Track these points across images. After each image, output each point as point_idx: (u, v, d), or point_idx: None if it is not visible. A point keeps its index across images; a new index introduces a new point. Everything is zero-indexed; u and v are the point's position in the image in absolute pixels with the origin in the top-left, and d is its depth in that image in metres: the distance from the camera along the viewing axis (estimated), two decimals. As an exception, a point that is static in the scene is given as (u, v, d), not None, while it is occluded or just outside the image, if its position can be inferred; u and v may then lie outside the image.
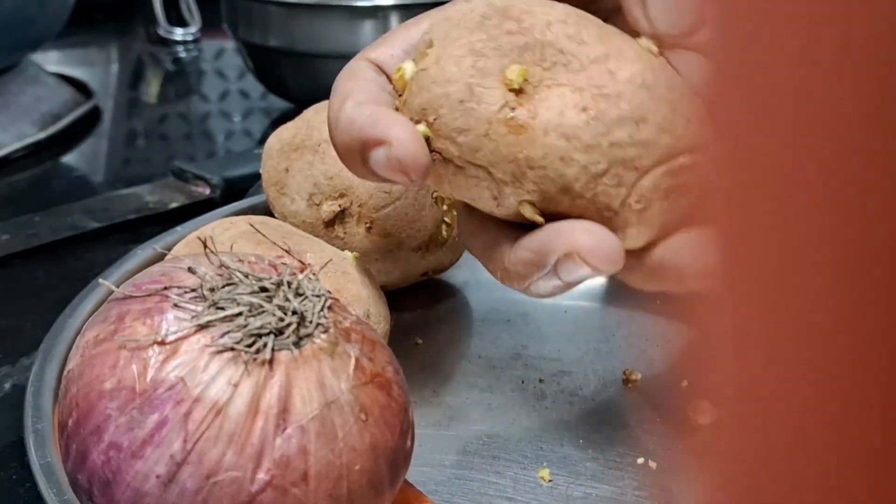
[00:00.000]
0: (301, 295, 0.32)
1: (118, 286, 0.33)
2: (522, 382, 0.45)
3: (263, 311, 0.31)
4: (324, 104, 0.52)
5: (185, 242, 0.44)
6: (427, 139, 0.34)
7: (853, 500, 0.14)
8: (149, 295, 0.32)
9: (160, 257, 0.44)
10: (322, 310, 0.32)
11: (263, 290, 0.32)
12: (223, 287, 0.32)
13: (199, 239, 0.34)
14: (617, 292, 0.51)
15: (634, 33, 0.36)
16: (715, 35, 0.15)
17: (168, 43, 1.01)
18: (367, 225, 0.48)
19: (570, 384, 0.45)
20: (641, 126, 0.33)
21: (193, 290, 0.32)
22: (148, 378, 0.30)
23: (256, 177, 0.55)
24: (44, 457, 0.35)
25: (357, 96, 0.36)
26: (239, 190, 0.61)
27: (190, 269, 0.32)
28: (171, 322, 0.31)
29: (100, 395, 0.30)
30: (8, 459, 0.42)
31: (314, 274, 0.33)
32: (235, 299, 0.31)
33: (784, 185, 0.14)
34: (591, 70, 0.33)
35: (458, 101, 0.33)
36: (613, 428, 0.42)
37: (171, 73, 0.98)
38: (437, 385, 0.45)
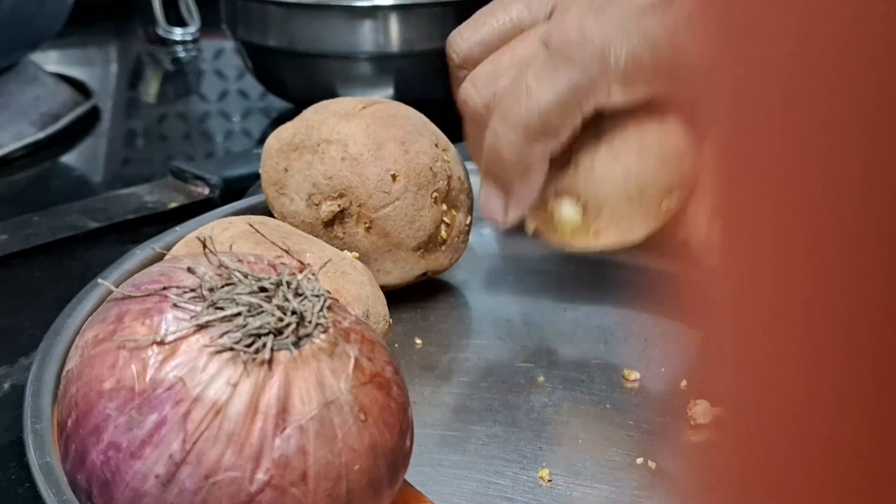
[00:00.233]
0: (300, 295, 0.32)
1: (117, 286, 0.33)
2: (522, 382, 0.45)
3: (262, 311, 0.31)
4: (323, 104, 0.52)
5: (184, 242, 0.44)
6: None
7: (849, 499, 0.14)
8: (148, 295, 0.32)
9: (159, 257, 0.44)
10: (321, 310, 0.32)
11: (263, 290, 0.32)
12: (222, 287, 0.32)
13: (199, 239, 0.34)
14: (617, 292, 0.51)
15: None
16: (710, 30, 0.15)
17: (167, 43, 1.01)
18: (367, 225, 0.48)
19: (569, 384, 0.45)
20: None
21: (192, 290, 0.32)
22: (147, 378, 0.30)
23: (255, 177, 0.55)
24: (43, 457, 0.35)
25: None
26: (238, 190, 0.61)
27: (189, 269, 0.32)
28: (171, 322, 0.31)
29: (99, 395, 0.30)
30: (7, 459, 0.42)
31: (313, 274, 0.33)
32: (234, 299, 0.31)
33: (781, 190, 0.14)
34: None
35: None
36: (613, 428, 0.42)
37: (170, 73, 0.98)
38: (436, 385, 0.45)
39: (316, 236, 0.48)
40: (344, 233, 0.48)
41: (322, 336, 0.31)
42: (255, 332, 0.30)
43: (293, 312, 0.31)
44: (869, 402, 0.14)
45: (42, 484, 0.34)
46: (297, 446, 0.29)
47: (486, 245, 0.56)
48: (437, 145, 0.50)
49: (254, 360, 0.30)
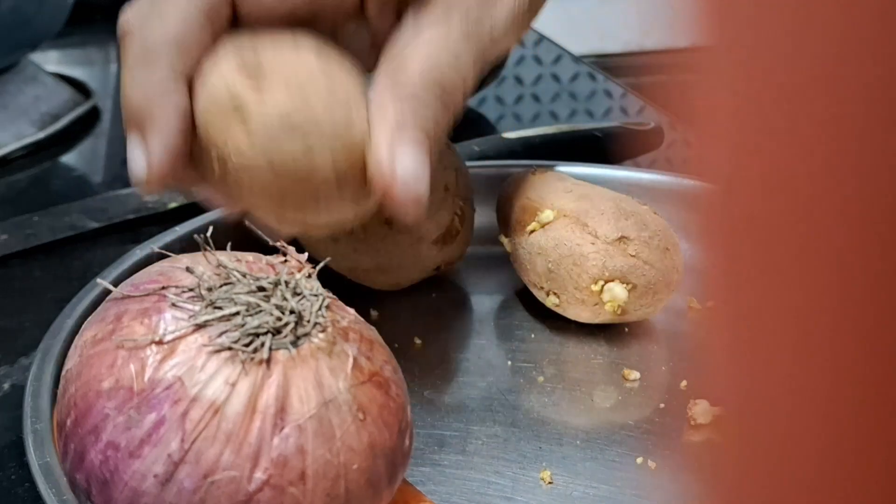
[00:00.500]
0: (298, 294, 0.32)
1: (116, 286, 0.33)
2: (522, 382, 0.45)
3: (261, 311, 0.31)
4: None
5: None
6: None
7: (850, 499, 0.14)
8: (146, 295, 0.32)
9: (159, 257, 0.44)
10: (320, 309, 0.32)
11: (261, 289, 0.32)
12: (221, 286, 0.32)
13: (197, 238, 0.34)
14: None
15: None
16: (709, 35, 0.15)
17: (167, 43, 1.00)
18: (387, 220, 0.48)
19: (569, 384, 0.45)
20: None
21: (191, 290, 0.32)
22: (145, 377, 0.30)
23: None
24: (42, 457, 0.35)
25: None
26: (238, 190, 0.61)
27: (188, 269, 0.32)
28: (169, 322, 0.31)
29: (98, 395, 0.30)
30: (7, 459, 0.42)
31: (310, 274, 0.33)
32: (233, 299, 0.31)
33: (780, 189, 0.14)
34: None
35: None
36: (613, 428, 0.42)
37: (170, 74, 0.98)
38: (436, 385, 0.45)
39: (334, 240, 0.47)
40: (364, 232, 0.48)
41: (320, 335, 0.31)
42: (253, 331, 0.30)
43: (291, 312, 0.31)
44: (869, 402, 0.14)
45: (42, 484, 0.34)
46: (295, 446, 0.29)
47: (486, 244, 0.56)
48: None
49: (252, 359, 0.30)
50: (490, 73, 0.71)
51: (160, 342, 0.30)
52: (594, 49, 1.34)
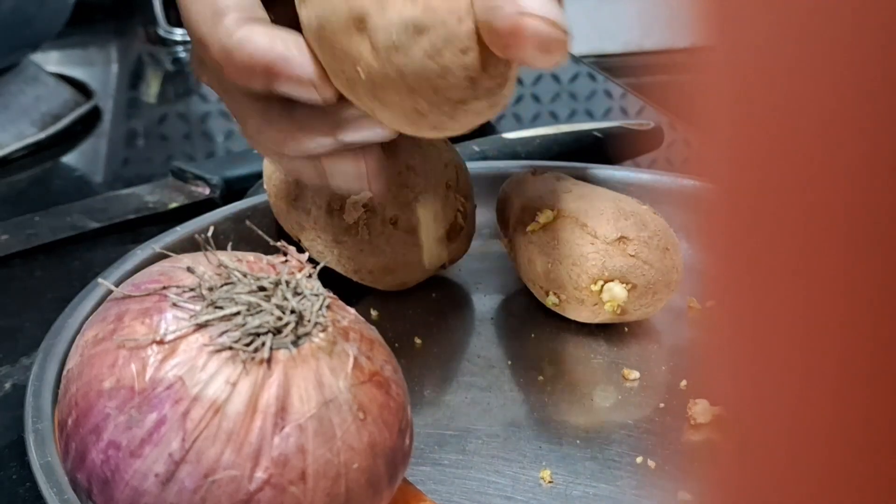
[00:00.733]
0: (299, 294, 0.32)
1: (117, 286, 0.33)
2: (522, 382, 0.45)
3: (261, 311, 0.31)
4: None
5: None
6: None
7: (850, 499, 0.14)
8: (147, 294, 0.32)
9: (159, 257, 0.44)
10: (320, 309, 0.32)
11: (262, 289, 0.32)
12: (221, 286, 0.32)
13: (198, 238, 0.34)
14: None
15: None
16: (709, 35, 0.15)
17: (168, 43, 1.01)
18: (392, 220, 0.48)
19: (569, 384, 0.45)
20: None
21: (192, 290, 0.32)
22: (146, 377, 0.30)
23: (256, 177, 0.54)
24: (44, 456, 0.35)
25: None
26: (239, 190, 0.61)
27: (189, 269, 0.32)
28: (170, 321, 0.31)
29: (99, 395, 0.30)
30: (8, 459, 0.42)
31: (311, 273, 0.33)
32: (234, 298, 0.31)
33: (779, 189, 0.14)
34: None
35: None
36: (613, 427, 0.42)
37: (170, 73, 0.98)
38: (436, 385, 0.45)
39: (338, 243, 0.47)
40: (370, 234, 0.48)
41: (321, 335, 0.31)
42: (254, 331, 0.30)
43: (292, 311, 0.31)
44: (870, 402, 0.14)
45: (43, 484, 0.34)
46: (296, 445, 0.29)
47: (486, 244, 0.56)
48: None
49: (253, 359, 0.30)
50: None
51: (161, 342, 0.30)
52: (594, 49, 1.34)
